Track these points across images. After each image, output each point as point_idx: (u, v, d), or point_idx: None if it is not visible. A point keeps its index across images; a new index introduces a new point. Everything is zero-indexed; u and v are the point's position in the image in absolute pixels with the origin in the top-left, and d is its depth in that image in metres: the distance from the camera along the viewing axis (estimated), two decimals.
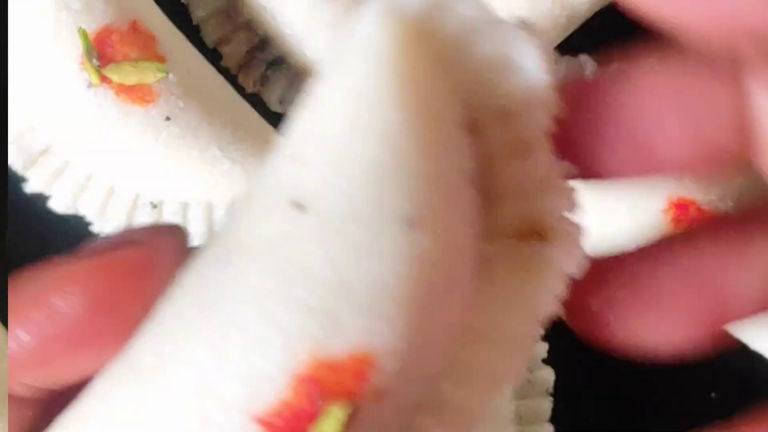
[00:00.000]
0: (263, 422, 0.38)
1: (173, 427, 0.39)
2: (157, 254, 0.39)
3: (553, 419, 0.83)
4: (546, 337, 0.82)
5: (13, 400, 0.39)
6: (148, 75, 0.75)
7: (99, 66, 0.74)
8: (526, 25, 0.40)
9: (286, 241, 0.39)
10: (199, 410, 0.39)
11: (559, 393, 0.83)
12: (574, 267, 0.41)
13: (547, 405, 0.83)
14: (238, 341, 0.39)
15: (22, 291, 0.39)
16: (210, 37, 0.85)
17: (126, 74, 0.74)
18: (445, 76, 0.40)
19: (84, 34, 0.73)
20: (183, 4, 0.85)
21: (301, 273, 0.39)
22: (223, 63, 0.85)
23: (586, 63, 0.70)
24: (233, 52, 0.85)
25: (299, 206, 0.39)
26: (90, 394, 0.40)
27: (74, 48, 0.74)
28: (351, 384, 0.38)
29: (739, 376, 0.84)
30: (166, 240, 0.40)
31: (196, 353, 0.39)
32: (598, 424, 0.85)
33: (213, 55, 0.84)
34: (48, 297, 0.38)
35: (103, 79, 0.74)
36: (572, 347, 0.83)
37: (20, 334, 0.38)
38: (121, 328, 0.39)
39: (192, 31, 0.84)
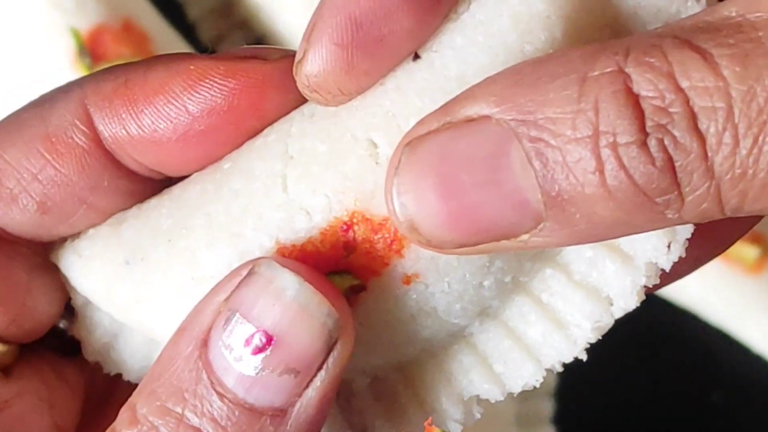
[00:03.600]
0: (284, 252, 0.39)
1: (215, 228, 0.40)
2: (280, 73, 0.41)
3: (555, 420, 0.82)
4: None
5: (123, 168, 0.43)
6: None
7: (91, 65, 0.73)
8: None
9: (391, 84, 0.39)
10: (238, 222, 0.40)
11: (560, 394, 0.82)
12: None
13: (548, 406, 0.82)
14: (298, 172, 0.40)
15: (148, 76, 0.42)
16: (205, 35, 0.85)
17: None
18: (606, 12, 0.39)
19: (76, 34, 0.73)
20: (177, 2, 0.85)
21: (386, 121, 0.39)
22: None
23: None
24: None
25: (415, 55, 0.39)
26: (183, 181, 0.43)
27: (66, 47, 0.74)
28: (381, 249, 0.39)
29: (739, 376, 0.84)
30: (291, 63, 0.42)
31: (261, 171, 0.40)
32: (599, 425, 0.85)
33: (208, 54, 0.84)
34: (172, 89, 0.41)
35: None
36: None
37: (144, 118, 0.41)
38: (231, 134, 0.41)
39: (187, 30, 0.83)
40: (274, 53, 0.41)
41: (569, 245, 0.39)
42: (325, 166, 0.39)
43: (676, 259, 0.40)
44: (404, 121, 0.39)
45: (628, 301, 0.40)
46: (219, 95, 0.41)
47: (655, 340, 0.85)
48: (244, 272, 0.38)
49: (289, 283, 0.37)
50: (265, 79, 0.41)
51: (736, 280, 0.82)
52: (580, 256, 0.40)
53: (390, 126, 0.39)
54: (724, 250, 0.46)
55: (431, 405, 0.41)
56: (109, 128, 0.42)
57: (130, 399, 0.39)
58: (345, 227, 0.39)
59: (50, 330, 0.45)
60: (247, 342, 0.37)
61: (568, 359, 0.41)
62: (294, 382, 0.37)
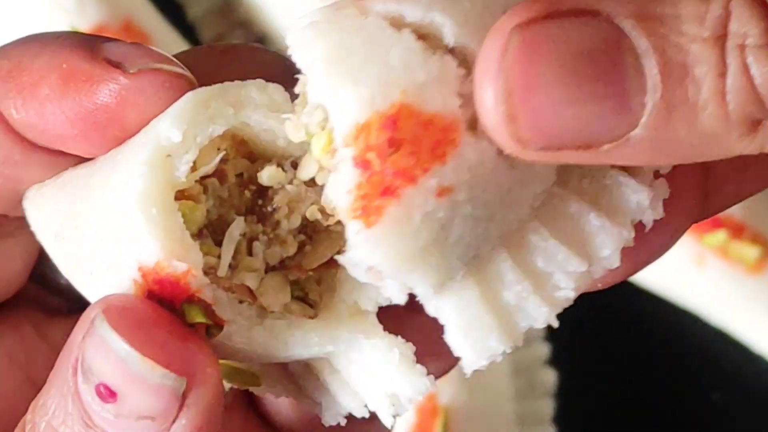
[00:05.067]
0: (143, 270, 0.38)
1: (107, 224, 0.39)
2: (136, 91, 0.40)
3: (556, 420, 0.82)
4: (548, 339, 0.82)
5: (32, 143, 0.42)
6: None
7: None
8: None
9: None
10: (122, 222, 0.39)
11: (561, 394, 0.82)
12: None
13: (549, 406, 0.82)
14: (322, 67, 0.37)
15: (35, 62, 0.41)
16: (205, 35, 0.85)
17: None
18: None
19: None
20: (177, 2, 0.85)
21: (451, 1, 0.36)
22: None
23: None
24: None
25: None
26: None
27: None
28: (425, 151, 0.35)
29: (739, 376, 0.84)
30: (156, 81, 0.40)
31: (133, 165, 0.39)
32: (599, 425, 0.85)
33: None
34: (49, 85, 0.41)
35: None
36: (574, 349, 0.83)
37: (28, 105, 0.41)
38: (97, 139, 0.41)
39: (187, 30, 0.83)
40: (135, 63, 0.40)
41: (643, 164, 0.38)
42: (366, 57, 0.36)
43: (658, 217, 0.39)
44: (469, 2, 0.36)
45: (611, 260, 0.39)
46: (81, 103, 0.40)
47: (656, 340, 0.85)
48: (92, 315, 0.37)
49: (118, 346, 0.36)
50: (121, 93, 0.40)
51: (736, 280, 0.82)
52: (565, 212, 0.39)
53: (455, 6, 0.36)
54: (696, 221, 0.45)
55: (362, 395, 0.41)
56: (4, 107, 0.42)
57: (40, 394, 0.39)
58: (390, 122, 0.35)
59: (38, 290, 0.45)
60: (97, 390, 0.37)
61: (542, 325, 0.39)
62: (155, 425, 0.37)
